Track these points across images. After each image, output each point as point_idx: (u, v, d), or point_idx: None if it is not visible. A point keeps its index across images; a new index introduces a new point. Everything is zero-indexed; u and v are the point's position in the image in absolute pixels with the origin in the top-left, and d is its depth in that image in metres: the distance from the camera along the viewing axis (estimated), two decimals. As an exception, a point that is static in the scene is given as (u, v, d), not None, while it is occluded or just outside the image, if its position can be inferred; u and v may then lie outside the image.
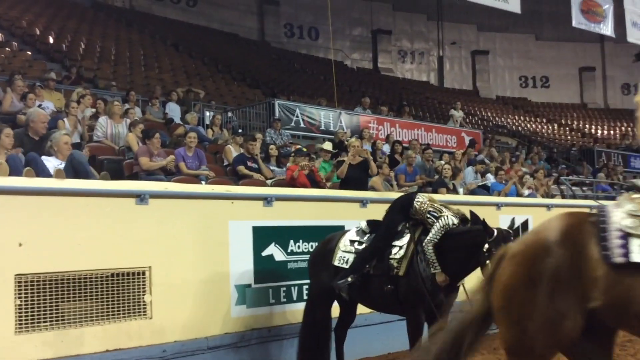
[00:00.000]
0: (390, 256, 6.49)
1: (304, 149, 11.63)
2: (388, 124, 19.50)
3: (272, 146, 12.49)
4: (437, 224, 6.37)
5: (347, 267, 6.76)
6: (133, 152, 10.18)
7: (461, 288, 6.43)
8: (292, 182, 10.05)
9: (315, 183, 10.30)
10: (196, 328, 7.12)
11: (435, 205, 6.59)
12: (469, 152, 17.25)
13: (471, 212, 6.37)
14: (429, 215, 6.47)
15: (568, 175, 20.23)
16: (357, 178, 10.10)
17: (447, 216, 6.43)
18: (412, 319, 6.39)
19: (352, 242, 6.90)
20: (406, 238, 6.51)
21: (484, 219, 6.17)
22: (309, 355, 7.07)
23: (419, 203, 6.61)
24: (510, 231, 6.17)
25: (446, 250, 6.28)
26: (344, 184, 10.11)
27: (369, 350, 8.45)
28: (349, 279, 6.57)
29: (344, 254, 6.87)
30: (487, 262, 5.80)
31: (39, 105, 11.42)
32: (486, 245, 5.90)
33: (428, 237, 6.37)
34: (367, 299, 6.85)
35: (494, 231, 5.97)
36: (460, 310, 4.47)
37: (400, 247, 6.47)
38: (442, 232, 6.36)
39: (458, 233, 6.37)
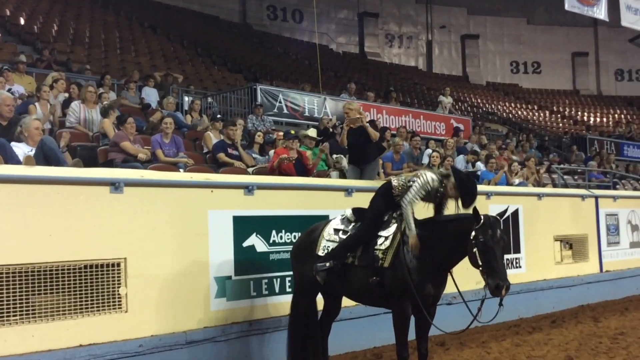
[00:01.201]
0: (376, 247, 6.45)
1: (292, 132, 11.53)
2: (375, 110, 19.51)
3: (259, 133, 12.43)
4: (417, 183, 6.32)
5: None
6: (109, 139, 10.09)
7: (449, 279, 6.42)
8: (272, 172, 10.00)
9: (302, 169, 10.22)
10: (174, 322, 7.08)
11: (415, 173, 6.57)
12: (457, 140, 17.27)
13: (452, 167, 6.24)
14: (410, 184, 6.42)
15: (560, 164, 20.34)
16: (357, 144, 9.91)
17: (424, 174, 6.40)
18: (398, 312, 6.36)
19: (336, 230, 6.86)
20: (392, 228, 6.47)
21: (475, 208, 6.13)
22: (297, 349, 7.07)
23: (396, 181, 6.60)
24: (499, 218, 6.12)
25: (433, 239, 6.26)
26: (350, 153, 10.15)
27: (354, 345, 8.47)
28: (327, 264, 6.54)
29: (328, 243, 6.83)
30: (475, 250, 5.82)
31: (9, 90, 11.29)
32: (473, 233, 5.88)
33: (407, 197, 6.32)
34: (352, 292, 6.83)
35: (481, 218, 5.95)
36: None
37: (386, 238, 6.43)
38: (423, 193, 6.32)
39: (445, 220, 6.36)
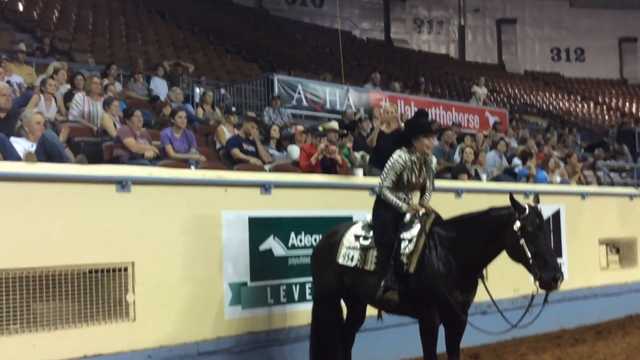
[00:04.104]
0: (400, 251, 6.46)
1: (321, 128, 11.55)
2: (402, 102, 19.40)
3: (274, 127, 12.45)
4: (386, 166, 6.58)
5: (351, 264, 6.77)
6: (110, 136, 10.16)
7: (481, 285, 6.41)
8: (306, 170, 9.97)
9: (329, 168, 10.20)
10: (185, 331, 7.13)
11: None
12: (493, 135, 17.17)
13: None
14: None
15: (605, 160, 20.15)
16: (389, 150, 9.99)
17: (392, 156, 6.57)
18: (425, 321, 6.36)
19: (356, 237, 6.89)
20: (416, 230, 6.47)
21: (512, 196, 6.08)
22: (319, 361, 7.12)
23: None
24: (538, 204, 6.11)
25: (462, 238, 6.24)
26: (377, 156, 10.15)
27: (380, 356, 8.48)
28: (382, 289, 6.48)
29: (349, 251, 6.87)
30: (522, 242, 5.80)
31: (7, 81, 11.40)
32: (517, 224, 5.86)
33: (380, 183, 6.59)
34: (376, 300, 6.82)
35: (525, 207, 5.95)
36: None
37: (410, 241, 6.43)
38: (394, 172, 6.49)
39: (477, 216, 6.32)
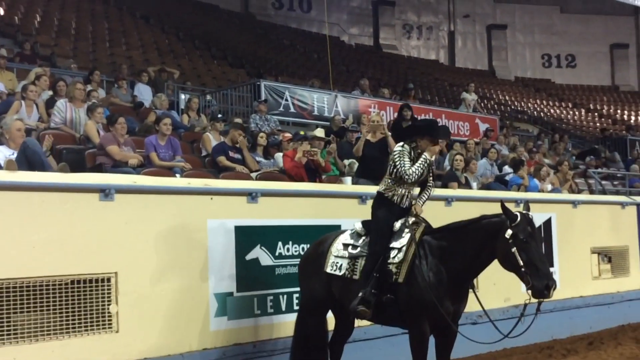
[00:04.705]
0: (389, 260, 6.47)
1: (302, 132, 11.60)
2: (391, 108, 19.47)
3: (261, 134, 12.46)
4: (394, 157, 6.67)
5: (339, 273, 6.77)
6: (93, 143, 10.14)
7: (471, 295, 6.43)
8: (292, 171, 10.03)
9: (313, 172, 10.28)
10: (170, 343, 7.10)
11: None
12: (484, 142, 17.23)
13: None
14: (392, 177, 6.70)
15: (597, 168, 20.27)
16: (375, 158, 10.15)
17: (393, 152, 6.75)
18: (415, 332, 6.37)
19: (345, 245, 6.89)
20: (406, 239, 6.48)
21: (503, 204, 6.11)
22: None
23: (382, 184, 6.81)
24: (529, 212, 6.13)
25: (453, 246, 6.27)
26: (362, 165, 10.20)
27: (369, 368, 8.47)
28: (358, 300, 6.48)
29: (337, 260, 6.86)
30: (513, 249, 5.82)
31: (-13, 88, 11.38)
32: (509, 231, 5.88)
33: (398, 164, 6.62)
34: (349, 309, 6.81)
35: (516, 214, 5.98)
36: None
37: (399, 250, 6.43)
38: (405, 158, 6.54)
39: (466, 224, 6.35)
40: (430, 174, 6.90)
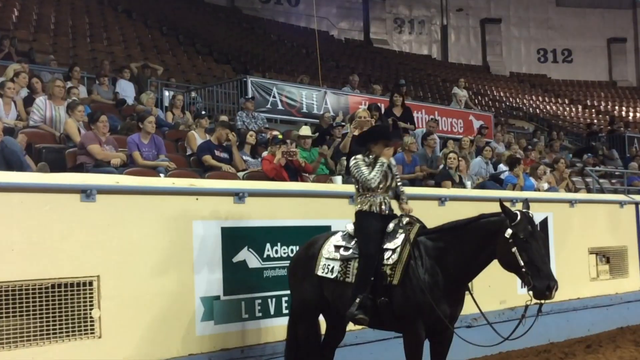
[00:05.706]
0: (383, 262, 6.47)
1: (280, 136, 11.61)
2: (382, 105, 19.49)
3: (250, 132, 12.47)
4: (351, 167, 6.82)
5: (332, 276, 6.77)
6: (74, 142, 10.11)
7: (468, 297, 6.43)
8: (271, 173, 10.06)
9: (294, 171, 10.30)
10: (154, 348, 7.09)
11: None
12: (478, 139, 17.27)
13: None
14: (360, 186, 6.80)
15: (594, 166, 20.35)
16: None
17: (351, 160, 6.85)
18: (410, 335, 6.37)
19: (337, 247, 6.88)
20: (400, 239, 6.49)
21: (502, 203, 6.13)
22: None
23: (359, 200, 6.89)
24: (529, 211, 6.15)
25: (450, 247, 6.28)
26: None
27: (361, 374, 8.48)
28: (356, 306, 6.48)
29: (328, 262, 6.86)
30: (514, 249, 5.83)
31: (-37, 85, 11.31)
32: (509, 231, 5.89)
33: (354, 174, 6.77)
34: (346, 315, 6.81)
35: (516, 214, 5.98)
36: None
37: (394, 251, 6.44)
38: (361, 165, 6.67)
39: (464, 223, 6.36)
40: (397, 177, 7.01)
